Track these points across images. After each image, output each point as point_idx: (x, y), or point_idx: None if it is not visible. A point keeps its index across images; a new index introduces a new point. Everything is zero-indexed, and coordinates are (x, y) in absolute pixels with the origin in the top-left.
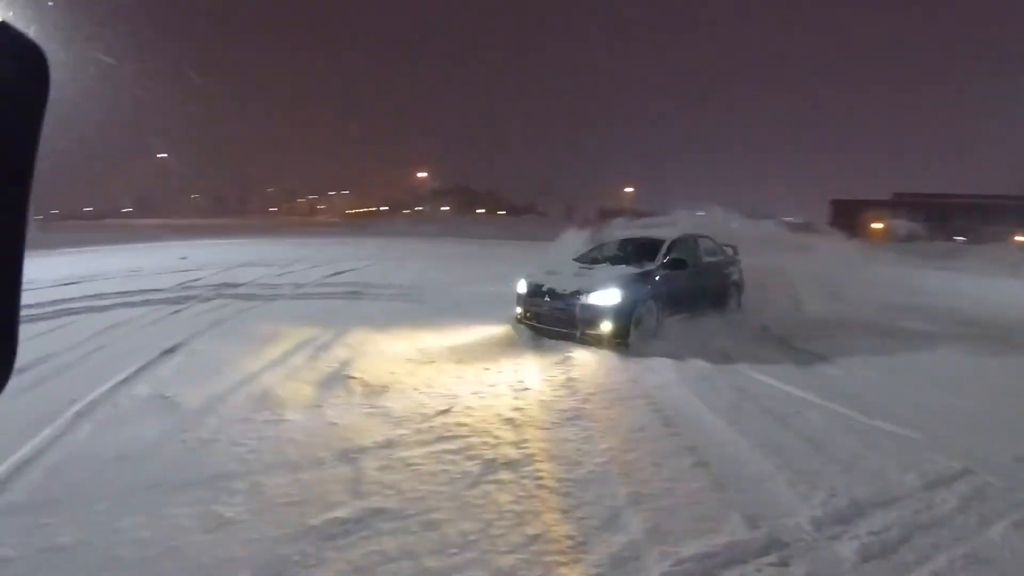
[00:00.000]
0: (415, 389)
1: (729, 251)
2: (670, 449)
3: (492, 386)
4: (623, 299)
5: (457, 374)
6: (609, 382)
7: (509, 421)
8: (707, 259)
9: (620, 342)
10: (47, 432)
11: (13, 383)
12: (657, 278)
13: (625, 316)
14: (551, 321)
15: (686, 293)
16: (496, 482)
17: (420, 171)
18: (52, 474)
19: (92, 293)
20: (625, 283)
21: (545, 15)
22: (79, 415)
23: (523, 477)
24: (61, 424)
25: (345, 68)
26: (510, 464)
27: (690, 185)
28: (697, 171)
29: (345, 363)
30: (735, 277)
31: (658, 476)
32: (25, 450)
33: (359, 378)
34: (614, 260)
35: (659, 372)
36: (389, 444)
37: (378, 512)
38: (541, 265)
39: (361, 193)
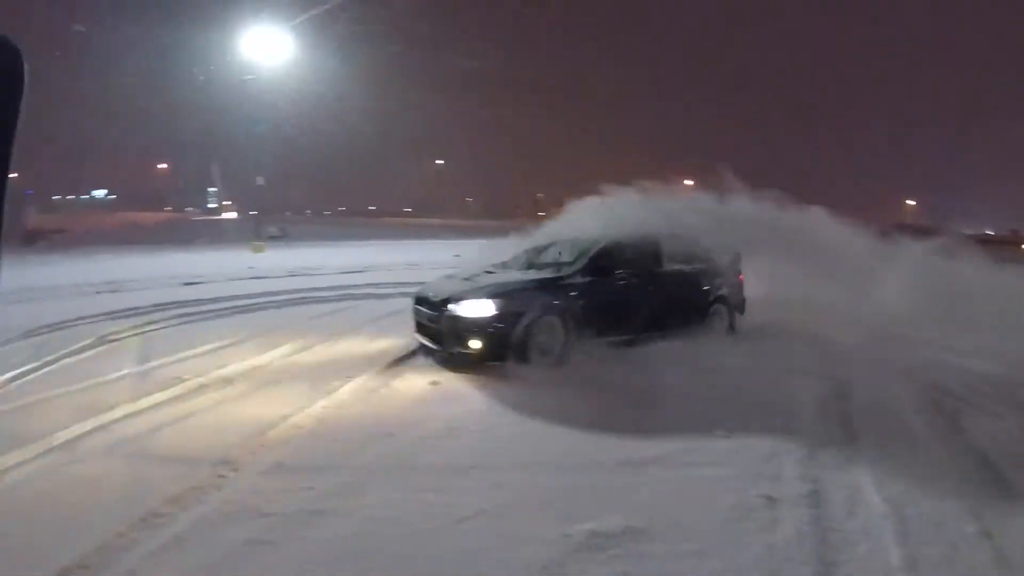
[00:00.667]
0: None
1: (722, 257)
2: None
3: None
4: (500, 311)
5: None
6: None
7: None
8: (671, 266)
9: (497, 363)
10: None
11: None
12: (569, 288)
13: (501, 333)
14: (425, 334)
15: (625, 309)
16: None
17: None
18: None
19: (373, 282)
20: (508, 292)
21: None
22: None
23: None
24: None
25: (615, 74)
26: None
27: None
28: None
29: None
30: (723, 291)
31: None
32: None
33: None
34: (541, 264)
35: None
36: None
37: None
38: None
39: None
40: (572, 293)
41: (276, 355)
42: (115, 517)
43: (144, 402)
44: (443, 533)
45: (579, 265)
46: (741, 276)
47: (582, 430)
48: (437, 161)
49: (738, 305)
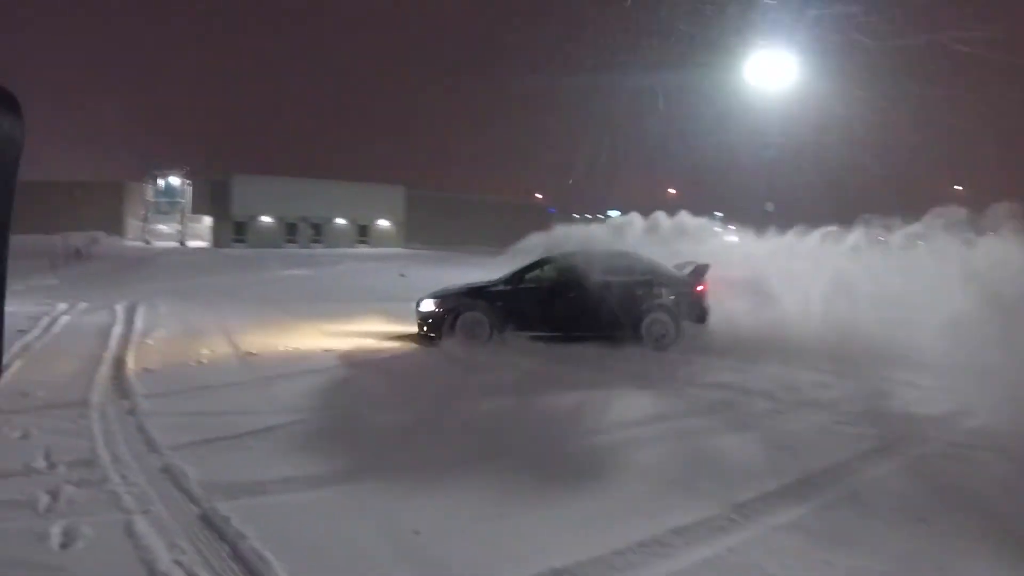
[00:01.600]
0: None
1: (680, 270)
2: None
3: None
4: (436, 308)
5: None
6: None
7: None
8: (599, 278)
9: (434, 338)
10: None
11: None
12: (494, 295)
13: (436, 321)
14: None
15: (540, 311)
16: None
17: None
18: None
19: None
20: (444, 295)
21: None
22: None
23: None
24: None
25: None
26: None
27: None
28: None
29: None
30: (663, 301)
31: None
32: None
33: None
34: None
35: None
36: None
37: None
38: None
39: None
40: (496, 299)
41: None
42: None
43: None
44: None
45: (504, 277)
46: (704, 287)
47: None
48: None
49: (697, 316)
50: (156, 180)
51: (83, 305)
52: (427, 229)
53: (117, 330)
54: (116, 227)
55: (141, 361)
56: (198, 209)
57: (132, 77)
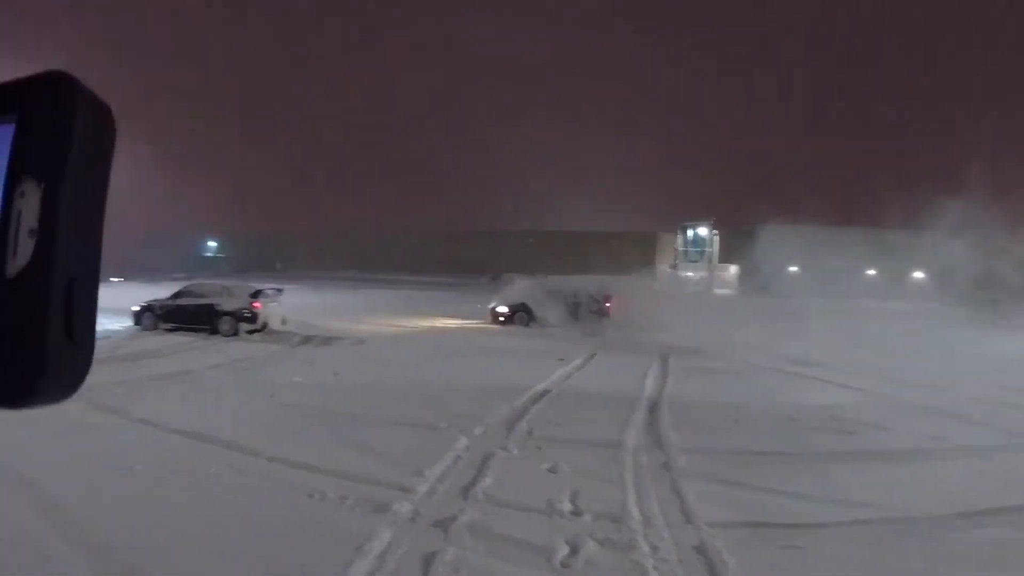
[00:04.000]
0: None
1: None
2: None
3: None
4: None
5: None
6: None
7: None
8: None
9: None
10: None
11: None
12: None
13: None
14: None
15: None
16: None
17: None
18: None
19: None
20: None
21: None
22: None
23: None
24: None
25: None
26: None
27: None
28: None
29: None
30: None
31: None
32: None
33: None
34: None
35: None
36: None
37: None
38: None
39: None
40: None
41: None
42: None
43: None
44: None
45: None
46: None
47: None
48: None
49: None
50: (685, 230)
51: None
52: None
53: (654, 371)
54: (648, 274)
55: (677, 409)
56: (725, 258)
57: (660, 134)
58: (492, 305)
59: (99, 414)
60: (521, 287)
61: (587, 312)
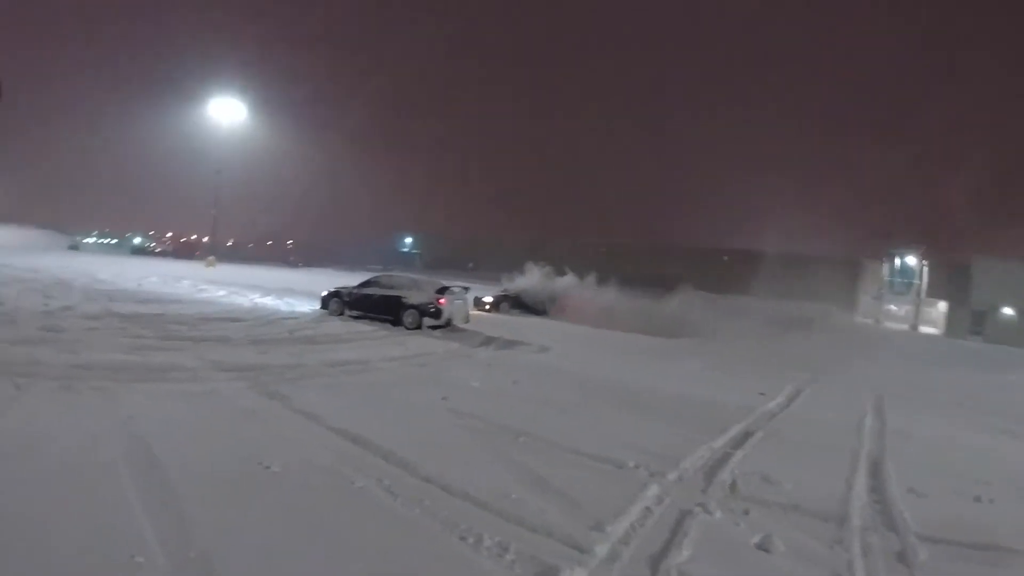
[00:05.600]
0: None
1: None
2: None
3: None
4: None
5: None
6: None
7: None
8: None
9: None
10: None
11: None
12: None
13: None
14: None
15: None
16: None
17: None
18: None
19: None
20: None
21: None
22: None
23: None
24: None
25: None
26: None
27: None
28: None
29: None
30: None
31: None
32: None
33: None
34: None
35: None
36: None
37: None
38: None
39: None
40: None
41: None
42: None
43: None
44: None
45: None
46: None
47: None
48: None
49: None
50: (893, 259)
51: (818, 377)
52: None
53: (868, 423)
54: (848, 303)
55: (904, 476)
56: (933, 292)
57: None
58: None
59: (261, 399)
60: None
61: None
